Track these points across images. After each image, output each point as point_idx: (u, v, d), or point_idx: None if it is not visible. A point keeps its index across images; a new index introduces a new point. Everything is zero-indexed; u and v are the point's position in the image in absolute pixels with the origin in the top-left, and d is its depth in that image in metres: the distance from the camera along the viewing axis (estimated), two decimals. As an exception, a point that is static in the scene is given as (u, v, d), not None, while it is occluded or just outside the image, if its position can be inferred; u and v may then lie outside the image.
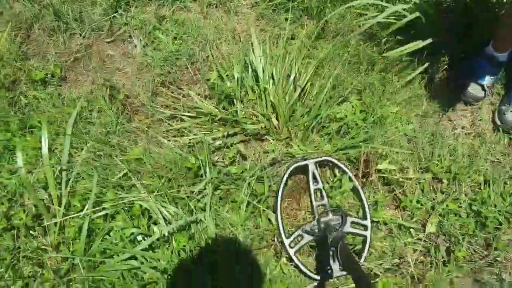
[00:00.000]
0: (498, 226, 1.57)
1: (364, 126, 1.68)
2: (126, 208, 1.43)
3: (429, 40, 1.67)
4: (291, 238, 1.48)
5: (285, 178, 1.55)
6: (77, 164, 1.48)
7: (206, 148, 1.54)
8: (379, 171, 1.61)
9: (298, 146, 1.60)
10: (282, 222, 1.49)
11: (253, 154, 1.65)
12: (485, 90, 1.80)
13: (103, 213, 1.39)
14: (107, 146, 1.54)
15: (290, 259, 1.47)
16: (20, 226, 1.40)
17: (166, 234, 1.38)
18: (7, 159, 1.53)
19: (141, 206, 1.42)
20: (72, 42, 1.90)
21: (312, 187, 1.55)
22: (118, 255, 1.36)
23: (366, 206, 1.53)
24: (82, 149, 1.51)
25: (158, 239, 1.37)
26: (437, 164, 1.67)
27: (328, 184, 1.62)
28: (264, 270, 1.43)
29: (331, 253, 1.34)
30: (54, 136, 1.57)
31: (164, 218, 1.42)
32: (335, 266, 1.33)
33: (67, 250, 1.38)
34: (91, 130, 1.59)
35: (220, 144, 1.64)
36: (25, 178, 1.41)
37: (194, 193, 1.49)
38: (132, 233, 1.37)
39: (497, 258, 1.54)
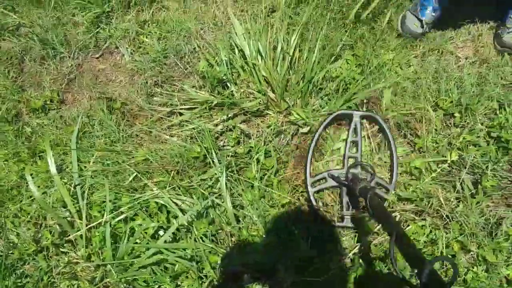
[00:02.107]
0: (523, 148, 1.57)
1: (363, 79, 1.72)
2: (144, 208, 1.53)
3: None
4: (315, 178, 1.58)
5: (327, 121, 1.63)
6: (88, 177, 1.58)
7: (208, 135, 1.61)
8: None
9: (297, 113, 1.64)
10: (311, 161, 1.61)
11: (257, 131, 1.71)
12: (423, 27, 1.82)
13: (122, 217, 1.49)
14: (113, 153, 1.64)
15: (308, 198, 1.57)
16: (49, 246, 1.51)
17: (185, 223, 1.46)
18: (25, 187, 1.65)
19: (156, 203, 1.51)
20: (63, 65, 2.02)
21: (349, 138, 1.63)
22: (144, 253, 1.45)
23: (395, 172, 1.57)
24: (90, 162, 1.61)
25: (178, 230, 1.46)
26: (446, 99, 1.68)
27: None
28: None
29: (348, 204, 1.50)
30: (63, 156, 1.69)
31: (181, 209, 1.50)
32: (347, 217, 1.52)
33: (97, 258, 1.49)
34: (96, 142, 1.70)
35: (222, 129, 1.71)
36: (42, 201, 1.53)
37: (205, 180, 1.57)
38: (153, 228, 1.46)
39: (526, 179, 1.54)
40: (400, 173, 1.61)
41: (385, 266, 1.43)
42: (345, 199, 1.55)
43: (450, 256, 1.44)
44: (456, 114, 1.66)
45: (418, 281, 0.80)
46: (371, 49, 1.80)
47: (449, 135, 1.63)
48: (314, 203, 1.54)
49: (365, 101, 1.71)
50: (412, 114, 1.66)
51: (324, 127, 1.63)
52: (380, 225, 1.25)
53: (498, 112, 1.64)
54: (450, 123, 1.66)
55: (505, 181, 1.54)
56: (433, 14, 1.80)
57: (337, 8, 1.88)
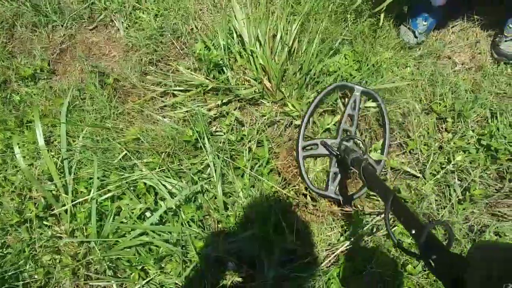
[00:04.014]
0: (510, 157, 1.61)
1: (360, 76, 1.72)
2: (131, 188, 1.52)
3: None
4: (307, 143, 1.62)
5: (327, 90, 1.65)
6: (76, 152, 1.57)
7: (201, 119, 1.61)
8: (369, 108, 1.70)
9: (293, 105, 1.65)
10: (306, 126, 1.64)
11: (250, 119, 1.71)
12: (417, 37, 1.84)
13: (109, 195, 1.49)
14: (103, 130, 1.62)
15: (296, 160, 1.61)
16: (32, 218, 1.50)
17: (173, 207, 1.46)
18: (11, 157, 1.63)
19: (145, 184, 1.51)
20: (56, 35, 1.97)
21: (347, 111, 1.65)
22: (130, 233, 1.45)
23: (385, 152, 1.62)
24: (79, 137, 1.60)
25: (166, 213, 1.46)
26: (440, 103, 1.71)
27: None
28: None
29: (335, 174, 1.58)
30: (51, 128, 1.66)
31: (169, 192, 1.50)
32: (332, 187, 1.56)
33: (81, 235, 1.48)
34: (86, 117, 1.67)
35: (215, 114, 1.71)
36: (28, 172, 1.51)
37: (196, 165, 1.57)
38: (140, 209, 1.46)
39: (512, 189, 1.59)
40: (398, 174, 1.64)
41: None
42: (333, 169, 1.59)
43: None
44: (449, 119, 1.69)
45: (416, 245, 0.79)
46: (370, 46, 1.80)
47: (440, 139, 1.66)
48: (302, 166, 1.57)
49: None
50: (403, 114, 1.69)
51: (324, 94, 1.65)
52: (375, 192, 1.28)
53: (489, 120, 1.68)
54: (442, 128, 1.69)
55: (491, 189, 1.58)
56: (425, 23, 1.81)
57: (339, 1, 1.87)
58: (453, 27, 1.93)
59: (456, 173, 1.58)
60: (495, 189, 1.60)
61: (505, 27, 1.75)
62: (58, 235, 1.50)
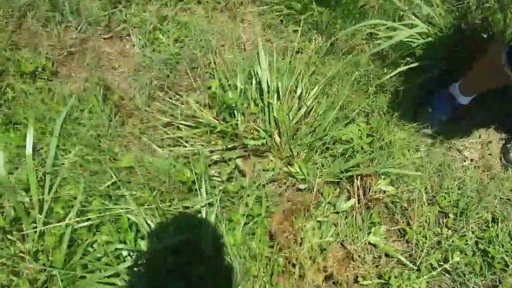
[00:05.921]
0: (505, 268, 1.58)
1: (370, 151, 1.69)
2: (113, 220, 1.41)
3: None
4: None
5: None
6: (63, 168, 1.45)
7: (203, 161, 1.53)
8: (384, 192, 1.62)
9: (300, 167, 1.59)
10: None
11: (252, 171, 1.64)
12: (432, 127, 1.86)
13: (87, 223, 1.37)
14: (96, 151, 1.51)
15: None
16: (-3, 228, 1.36)
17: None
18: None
19: (128, 219, 1.40)
20: (67, 36, 1.88)
21: None
22: (101, 271, 1.32)
23: None
24: (70, 152, 1.48)
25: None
26: (444, 197, 1.68)
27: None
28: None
29: None
30: (40, 135, 1.54)
31: (155, 234, 1.39)
32: None
33: (45, 258, 1.34)
34: (81, 131, 1.56)
35: (217, 158, 1.63)
36: (5, 179, 1.38)
37: (188, 209, 1.48)
38: (117, 249, 1.34)
39: (503, 302, 1.55)
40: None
41: None
42: None
43: None
44: (451, 215, 1.66)
45: None
46: (386, 123, 1.78)
47: (439, 234, 1.62)
48: None
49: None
50: (408, 200, 1.66)
51: None
52: None
53: (490, 225, 1.65)
54: (443, 223, 1.66)
55: (482, 298, 1.55)
56: (444, 117, 1.83)
57: (363, 71, 1.86)
58: (468, 122, 1.93)
59: (452, 274, 1.54)
60: (487, 301, 1.56)
61: (517, 136, 1.77)
62: (21, 254, 1.35)
